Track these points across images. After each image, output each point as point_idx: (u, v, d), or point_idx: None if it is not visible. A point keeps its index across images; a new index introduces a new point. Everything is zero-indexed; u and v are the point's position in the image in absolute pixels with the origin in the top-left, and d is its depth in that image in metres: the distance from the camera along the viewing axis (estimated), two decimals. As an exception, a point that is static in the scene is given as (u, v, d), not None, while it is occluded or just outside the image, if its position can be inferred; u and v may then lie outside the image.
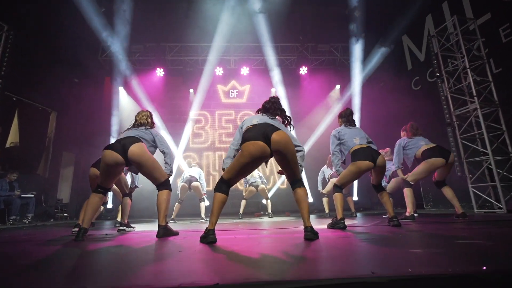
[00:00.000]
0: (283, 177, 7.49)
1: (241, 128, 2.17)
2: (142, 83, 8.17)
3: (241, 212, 5.53)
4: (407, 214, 3.41)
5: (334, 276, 0.88)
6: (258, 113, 2.34)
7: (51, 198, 6.89)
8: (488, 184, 4.45)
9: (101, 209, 4.35)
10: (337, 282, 0.81)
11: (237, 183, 7.39)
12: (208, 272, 1.03)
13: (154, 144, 2.72)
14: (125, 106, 8.11)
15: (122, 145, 2.37)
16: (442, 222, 2.93)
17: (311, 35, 8.22)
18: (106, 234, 2.85)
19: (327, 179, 5.46)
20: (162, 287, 0.83)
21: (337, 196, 2.83)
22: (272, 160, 2.13)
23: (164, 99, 8.36)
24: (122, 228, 3.15)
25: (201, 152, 8.24)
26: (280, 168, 2.13)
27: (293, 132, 2.34)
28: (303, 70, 8.59)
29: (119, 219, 3.74)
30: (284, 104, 8.05)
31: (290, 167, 1.96)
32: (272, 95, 2.41)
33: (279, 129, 1.97)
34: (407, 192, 3.45)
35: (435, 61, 5.18)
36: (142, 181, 3.54)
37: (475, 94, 4.50)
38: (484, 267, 0.89)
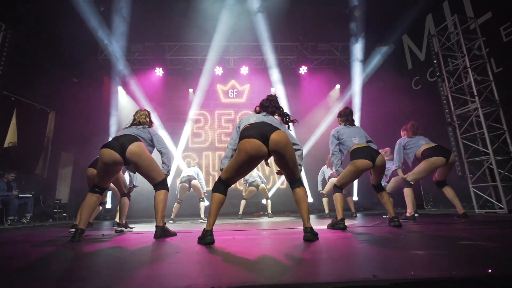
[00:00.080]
0: (283, 177, 7.46)
1: (239, 127, 2.14)
2: (141, 83, 8.14)
3: (240, 212, 5.50)
4: (407, 214, 3.38)
5: (334, 279, 0.85)
6: (255, 111, 2.30)
7: (50, 198, 6.85)
8: (489, 184, 4.42)
9: (100, 209, 4.31)
10: (337, 286, 0.78)
11: (237, 183, 7.36)
12: (204, 275, 1.00)
13: (151, 143, 2.69)
14: (124, 106, 8.08)
15: (121, 144, 2.34)
16: (443, 222, 2.90)
17: (311, 35, 8.19)
18: (103, 234, 2.82)
19: (327, 179, 5.43)
20: (155, 291, 0.80)
21: (337, 196, 2.80)
22: (271, 160, 2.09)
23: (163, 99, 8.33)
24: (120, 228, 3.11)
25: (200, 152, 8.22)
26: (278, 169, 2.09)
27: (292, 131, 2.31)
28: (303, 70, 8.56)
29: (117, 219, 3.71)
30: (284, 103, 8.03)
31: (289, 167, 1.93)
32: (269, 94, 2.37)
33: (278, 128, 1.93)
34: (407, 192, 3.42)
35: (435, 61, 5.15)
36: (140, 180, 3.50)
37: (475, 94, 4.47)
38: (490, 270, 0.86)
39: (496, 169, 4.17)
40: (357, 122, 7.66)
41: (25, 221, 5.42)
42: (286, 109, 2.35)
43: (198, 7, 7.21)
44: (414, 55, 6.69)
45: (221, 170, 2.03)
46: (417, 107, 6.15)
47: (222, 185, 1.91)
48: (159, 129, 7.79)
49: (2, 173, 5.48)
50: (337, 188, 2.84)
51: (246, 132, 1.91)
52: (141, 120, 2.76)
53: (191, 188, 5.13)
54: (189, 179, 5.10)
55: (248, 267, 1.10)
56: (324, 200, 5.38)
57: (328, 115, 8.21)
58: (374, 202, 7.69)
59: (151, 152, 2.69)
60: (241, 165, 1.87)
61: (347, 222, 3.01)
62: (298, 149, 2.08)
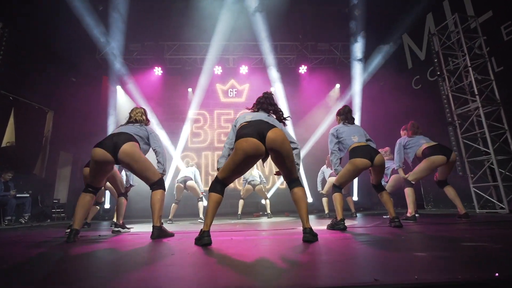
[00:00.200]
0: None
1: (235, 126, 2.09)
2: (140, 82, 8.10)
3: (239, 212, 5.46)
4: (408, 214, 3.34)
5: (333, 283, 0.82)
6: (252, 109, 2.26)
7: (48, 198, 6.81)
8: (490, 184, 4.38)
9: (97, 209, 4.27)
10: (337, 291, 0.74)
11: (237, 183, 7.33)
12: (198, 279, 0.96)
13: (148, 141, 2.65)
14: (122, 105, 8.04)
15: (114, 143, 2.29)
16: (444, 223, 2.87)
17: (311, 34, 8.15)
18: (99, 235, 2.78)
19: (326, 179, 5.39)
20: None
21: (336, 196, 2.76)
22: (271, 160, 2.05)
23: (162, 98, 8.29)
24: (117, 229, 3.07)
25: (199, 152, 8.18)
26: (277, 170, 2.05)
27: (292, 130, 2.27)
28: (303, 69, 8.53)
29: (115, 219, 3.67)
30: (284, 103, 8.00)
31: (286, 166, 1.89)
32: (265, 91, 2.33)
33: (274, 126, 1.89)
34: (408, 192, 3.38)
35: (436, 60, 5.12)
36: (137, 180, 3.46)
37: (476, 93, 4.44)
38: (497, 274, 0.82)
39: (497, 169, 4.13)
40: (357, 122, 7.61)
41: (23, 221, 5.38)
42: (285, 109, 2.32)
43: (197, 6, 7.17)
44: (414, 54, 6.66)
45: (217, 169, 1.99)
46: (418, 107, 6.12)
47: (219, 185, 1.87)
48: (158, 129, 7.75)
49: (0, 173, 5.44)
50: (336, 187, 2.80)
51: (243, 131, 1.87)
52: (137, 118, 2.72)
53: (187, 189, 5.10)
54: (184, 180, 5.07)
55: (244, 270, 1.06)
56: (324, 200, 5.34)
57: (328, 115, 8.17)
58: (374, 202, 7.65)
59: (147, 151, 2.65)
60: (238, 165, 1.83)
61: (347, 222, 2.98)
62: (296, 148, 2.03)
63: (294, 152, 1.98)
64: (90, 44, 7.53)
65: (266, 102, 2.21)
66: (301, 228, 1.86)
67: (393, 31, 7.06)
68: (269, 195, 7.43)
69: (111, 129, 7.60)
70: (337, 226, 2.59)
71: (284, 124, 2.22)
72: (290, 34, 8.10)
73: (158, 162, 2.64)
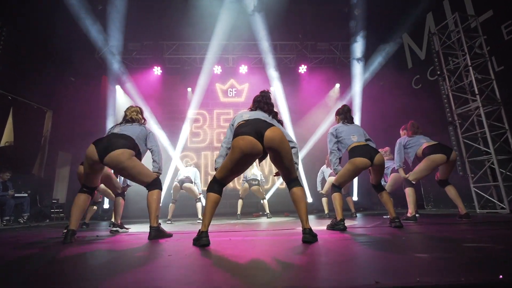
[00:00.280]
0: (282, 177, 7.40)
1: (232, 125, 2.06)
2: (139, 82, 8.07)
3: (238, 212, 5.43)
4: (408, 215, 3.32)
5: (332, 286, 0.79)
6: (249, 108, 2.24)
7: (47, 198, 6.78)
8: (490, 184, 4.36)
9: (95, 209, 4.25)
10: (336, 294, 0.72)
11: (236, 183, 7.28)
12: (193, 281, 0.94)
13: (146, 141, 2.62)
14: (122, 105, 8.00)
15: (107, 146, 2.24)
16: (445, 223, 2.84)
17: (311, 34, 8.13)
18: (97, 235, 2.75)
19: (326, 179, 5.37)
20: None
21: (336, 196, 2.73)
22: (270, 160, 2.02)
23: (161, 98, 8.26)
24: (115, 229, 3.05)
25: (199, 152, 8.15)
26: (276, 170, 2.03)
27: (291, 130, 2.25)
28: (302, 69, 8.50)
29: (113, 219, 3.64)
30: (283, 103, 7.98)
31: (285, 166, 1.87)
32: (262, 90, 2.30)
33: (272, 125, 1.87)
34: (409, 192, 3.36)
35: (436, 59, 5.09)
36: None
37: (477, 92, 4.42)
38: (501, 276, 0.79)
39: (498, 169, 4.11)
40: (357, 122, 7.61)
41: (22, 221, 5.36)
42: (285, 108, 2.29)
43: (196, 5, 7.15)
44: (414, 54, 6.64)
45: (215, 169, 1.97)
46: (418, 106, 6.09)
47: (216, 185, 1.84)
48: (157, 129, 7.73)
49: (-2, 173, 5.41)
50: (335, 187, 2.77)
51: (240, 129, 1.84)
52: (133, 116, 2.67)
53: (183, 190, 5.07)
54: (182, 181, 5.04)
55: (241, 272, 1.04)
56: (324, 200, 5.31)
57: (328, 115, 8.14)
58: (374, 202, 7.63)
59: (146, 151, 2.62)
60: (236, 164, 1.80)
61: (347, 223, 2.95)
62: (293, 147, 2.00)
63: (292, 151, 1.95)
64: (89, 44, 7.49)
65: (262, 101, 2.18)
66: (300, 228, 1.84)
67: (393, 30, 7.04)
68: (269, 195, 7.42)
69: (110, 129, 7.56)
70: (337, 226, 2.57)
71: (282, 124, 2.19)
72: (289, 33, 8.08)
73: (154, 161, 2.62)
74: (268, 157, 1.97)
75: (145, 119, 2.81)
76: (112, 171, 2.89)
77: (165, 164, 7.46)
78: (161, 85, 8.35)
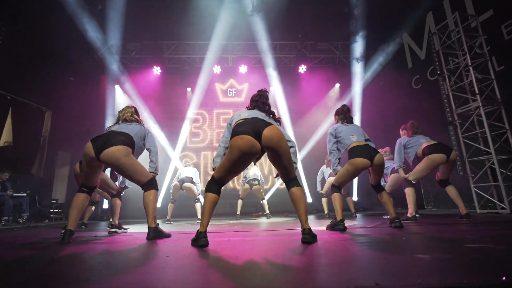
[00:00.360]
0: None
1: (230, 124, 2.05)
2: (138, 82, 8.05)
3: (238, 212, 5.42)
4: (408, 215, 3.31)
5: (333, 287, 0.78)
6: (247, 108, 2.23)
7: (46, 198, 6.76)
8: (490, 184, 4.35)
9: (93, 209, 4.24)
10: (336, 296, 0.70)
11: (236, 183, 7.25)
12: (190, 282, 0.92)
13: (144, 141, 2.60)
14: (121, 104, 7.96)
15: (104, 143, 2.22)
16: (446, 223, 2.83)
17: (310, 33, 8.11)
18: (95, 236, 2.74)
19: (326, 179, 5.35)
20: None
21: (336, 196, 2.72)
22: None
23: (161, 98, 8.24)
24: (113, 229, 3.04)
25: (198, 152, 8.14)
26: (277, 172, 2.01)
27: (291, 130, 2.23)
28: (302, 69, 8.48)
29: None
30: (283, 102, 7.96)
31: (283, 165, 1.85)
32: (260, 89, 2.29)
33: (270, 124, 1.85)
34: (409, 192, 3.35)
35: (436, 59, 5.08)
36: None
37: (477, 92, 4.41)
38: (504, 278, 0.78)
39: (498, 169, 4.10)
40: (357, 121, 7.60)
41: (21, 221, 5.34)
42: (285, 108, 2.28)
43: (196, 5, 7.13)
44: (414, 53, 6.63)
45: (213, 169, 1.95)
46: (418, 106, 6.08)
47: (214, 185, 1.83)
48: (157, 129, 7.71)
49: (-4, 173, 5.40)
50: (335, 187, 2.76)
51: (238, 129, 1.82)
52: (127, 117, 2.63)
53: (183, 189, 5.06)
54: (183, 180, 5.03)
55: (239, 273, 1.02)
56: (324, 200, 5.30)
57: (328, 115, 8.13)
58: (374, 202, 7.61)
59: (143, 149, 2.61)
60: (234, 163, 1.78)
61: (347, 223, 2.94)
62: (292, 146, 1.98)
63: (291, 150, 1.93)
64: (88, 44, 7.48)
65: (260, 100, 2.17)
66: (300, 228, 1.82)
67: (393, 30, 7.03)
68: (268, 195, 7.40)
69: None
70: (336, 226, 2.55)
71: (280, 123, 2.18)
72: (289, 33, 8.06)
73: (151, 161, 2.60)
74: (266, 157, 1.95)
75: (141, 120, 2.78)
76: (109, 170, 2.89)
77: (165, 164, 7.46)
78: (161, 85, 8.33)
